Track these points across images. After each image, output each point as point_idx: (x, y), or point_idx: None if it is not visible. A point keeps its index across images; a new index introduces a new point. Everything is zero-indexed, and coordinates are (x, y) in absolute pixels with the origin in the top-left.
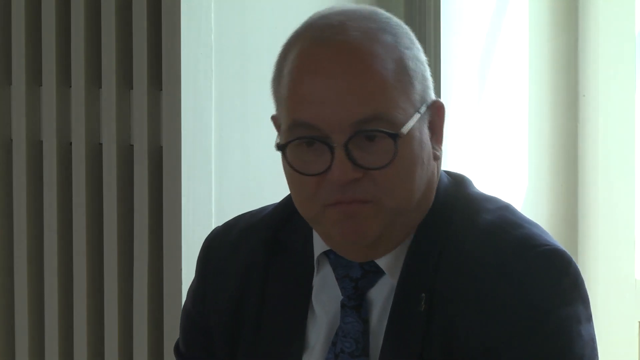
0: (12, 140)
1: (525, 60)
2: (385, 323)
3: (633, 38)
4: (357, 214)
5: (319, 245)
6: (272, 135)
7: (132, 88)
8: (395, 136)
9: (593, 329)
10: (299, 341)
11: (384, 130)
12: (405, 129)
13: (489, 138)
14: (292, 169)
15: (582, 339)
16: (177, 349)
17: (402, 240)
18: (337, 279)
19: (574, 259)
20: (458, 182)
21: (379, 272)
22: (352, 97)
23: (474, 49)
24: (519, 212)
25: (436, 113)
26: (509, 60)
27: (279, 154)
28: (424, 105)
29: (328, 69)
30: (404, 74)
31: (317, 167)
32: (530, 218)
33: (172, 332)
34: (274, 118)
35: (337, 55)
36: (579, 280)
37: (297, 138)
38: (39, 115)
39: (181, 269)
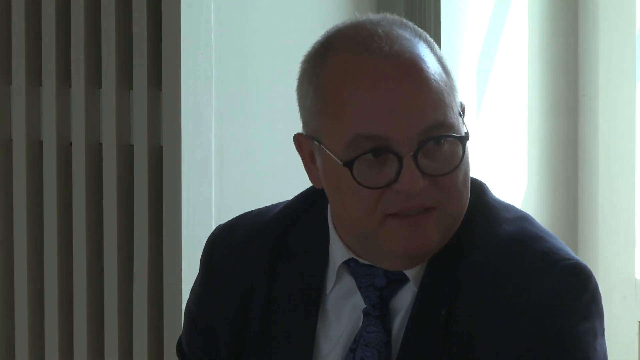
0: (12, 140)
1: (525, 60)
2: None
3: (633, 38)
4: (421, 224)
5: (340, 255)
6: (271, 135)
7: (132, 88)
8: (464, 139)
9: (605, 342)
10: (308, 348)
11: (454, 134)
12: (468, 132)
13: (489, 138)
14: (359, 184)
15: (597, 353)
16: (179, 348)
17: None
18: (359, 287)
19: None
20: (476, 189)
21: (402, 281)
22: (418, 106)
23: (474, 49)
24: (538, 223)
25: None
26: (509, 60)
27: (279, 154)
28: (460, 106)
29: (391, 80)
30: (448, 78)
31: (382, 179)
32: None
33: (172, 332)
34: (301, 137)
35: (396, 65)
36: (597, 295)
37: (366, 152)
38: (39, 115)
39: (181, 269)
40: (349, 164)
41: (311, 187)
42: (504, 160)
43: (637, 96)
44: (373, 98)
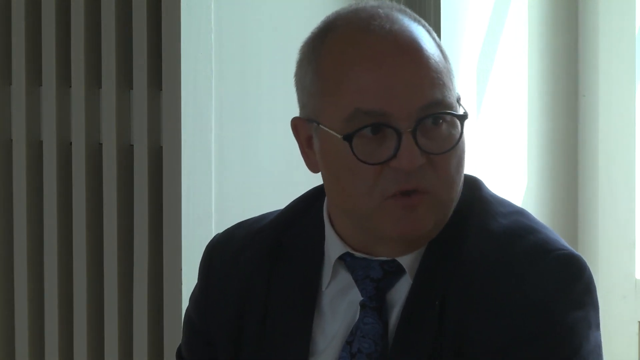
0: (12, 140)
1: (525, 60)
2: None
3: (633, 38)
4: (418, 206)
5: (335, 250)
6: (271, 134)
7: (132, 88)
8: (462, 118)
9: (600, 336)
10: (304, 345)
11: (453, 112)
12: (467, 112)
13: (488, 138)
14: (357, 159)
15: (589, 343)
16: (179, 354)
17: None
18: (356, 280)
19: None
20: (471, 184)
21: (398, 273)
22: (417, 83)
23: (473, 48)
24: (533, 216)
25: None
26: (509, 60)
27: (279, 154)
28: (456, 91)
29: (391, 57)
30: (447, 62)
31: (380, 155)
32: None
33: (172, 332)
34: (299, 121)
35: (396, 43)
36: (592, 287)
37: (365, 126)
38: (39, 115)
39: (181, 269)
40: (348, 138)
41: (308, 191)
42: (504, 160)
43: (637, 96)
44: (373, 74)
